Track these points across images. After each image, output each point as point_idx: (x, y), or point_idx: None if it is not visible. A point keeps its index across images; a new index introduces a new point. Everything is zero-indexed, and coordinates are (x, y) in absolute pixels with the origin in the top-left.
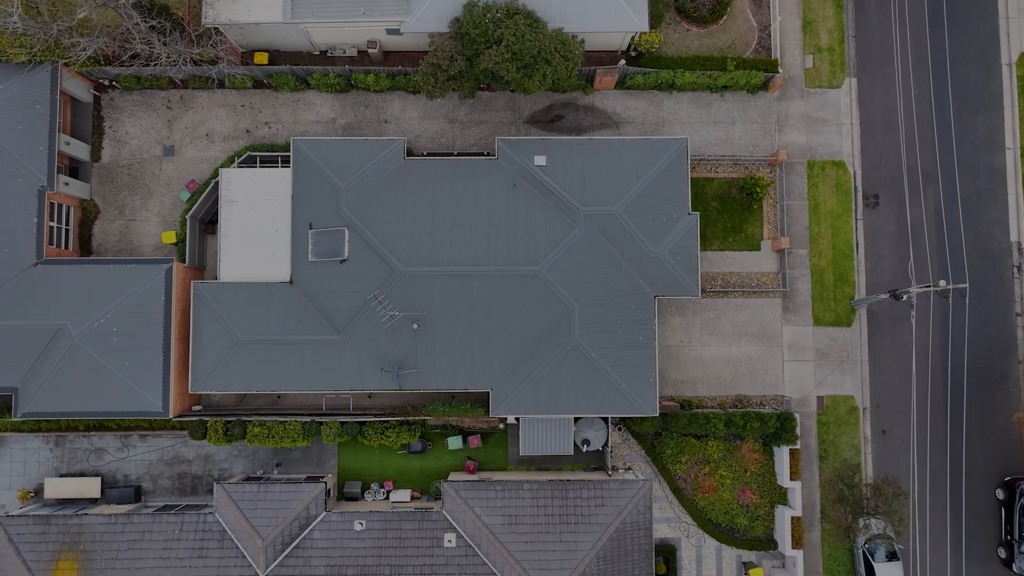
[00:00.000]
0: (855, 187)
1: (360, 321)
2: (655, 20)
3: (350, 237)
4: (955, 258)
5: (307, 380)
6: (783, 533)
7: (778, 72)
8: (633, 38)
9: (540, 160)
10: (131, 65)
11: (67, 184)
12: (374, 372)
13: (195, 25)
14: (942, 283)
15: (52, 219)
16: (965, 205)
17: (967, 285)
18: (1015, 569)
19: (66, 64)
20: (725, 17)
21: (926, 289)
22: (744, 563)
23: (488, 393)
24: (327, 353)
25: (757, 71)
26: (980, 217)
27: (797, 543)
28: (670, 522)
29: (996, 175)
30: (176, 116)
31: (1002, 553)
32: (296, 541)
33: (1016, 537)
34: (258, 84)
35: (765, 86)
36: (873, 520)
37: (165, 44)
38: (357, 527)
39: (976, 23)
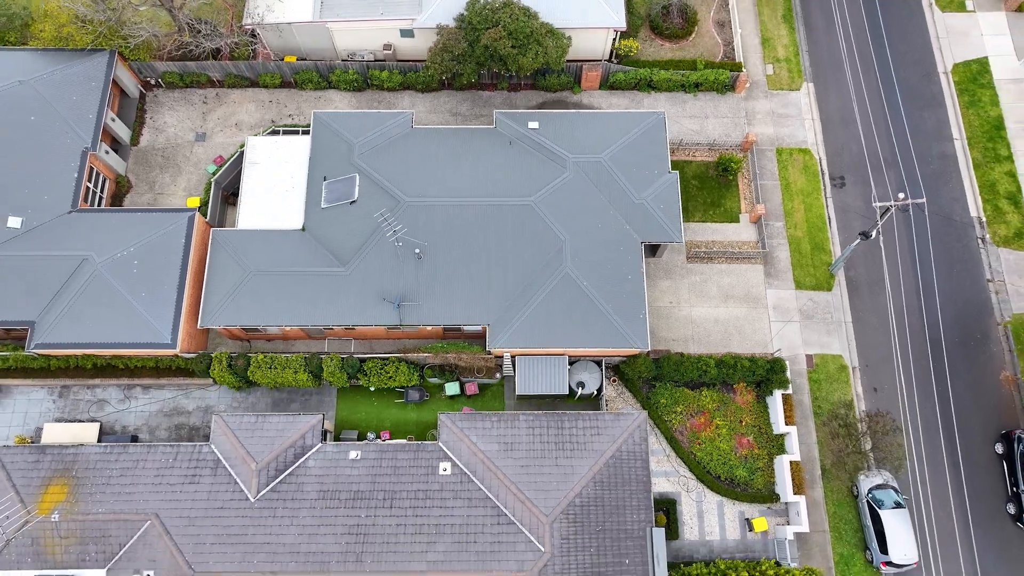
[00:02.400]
0: (822, 171)
1: (365, 254)
2: (632, 34)
3: (360, 182)
4: (920, 230)
5: (313, 315)
6: (783, 481)
7: (742, 71)
8: (614, 42)
9: (533, 124)
10: (177, 59)
11: (107, 152)
12: (378, 305)
13: (236, 27)
14: (901, 196)
15: (89, 181)
16: (925, 184)
17: (924, 200)
18: None
19: (121, 55)
20: (693, 35)
21: (888, 206)
22: (747, 519)
23: (485, 331)
24: (333, 286)
25: (724, 70)
26: (940, 195)
27: (798, 489)
28: (668, 476)
29: (949, 160)
30: (210, 109)
31: (1011, 509)
32: (290, 469)
33: (1022, 487)
34: (285, 84)
35: (732, 86)
36: (874, 463)
37: (209, 39)
38: (352, 455)
39: (911, 39)
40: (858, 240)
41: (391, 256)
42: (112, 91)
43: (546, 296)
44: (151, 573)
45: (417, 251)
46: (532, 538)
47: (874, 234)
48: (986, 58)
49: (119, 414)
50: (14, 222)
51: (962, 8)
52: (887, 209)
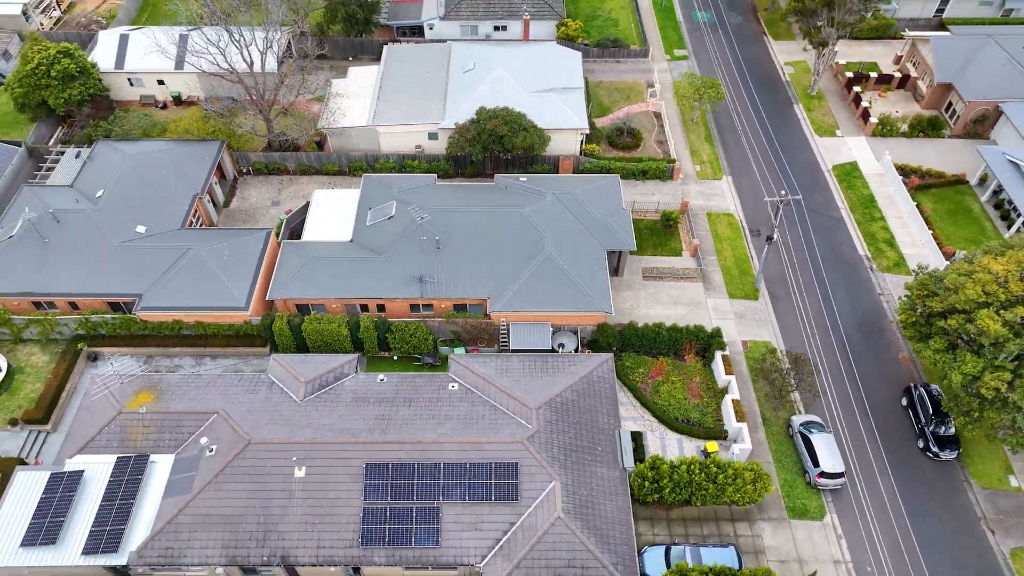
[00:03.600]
0: (743, 226)
1: (398, 246)
2: (595, 143)
3: (397, 205)
4: (814, 263)
5: (357, 290)
6: (728, 416)
7: (676, 163)
8: (582, 143)
9: (523, 179)
10: (265, 150)
11: (209, 202)
12: (406, 284)
13: (311, 130)
14: (783, 193)
15: (193, 218)
16: (822, 236)
17: (800, 196)
18: (931, 452)
19: (228, 146)
20: (640, 147)
21: (777, 200)
22: (702, 449)
23: (486, 300)
24: (373, 269)
25: (664, 161)
26: (833, 242)
27: (740, 418)
28: (635, 420)
29: (838, 221)
30: (284, 187)
31: (920, 444)
32: (330, 385)
33: (923, 422)
34: (341, 172)
35: (671, 175)
36: (801, 404)
37: (290, 142)
38: (379, 379)
39: (801, 153)
40: (767, 244)
41: (417, 247)
42: (217, 168)
43: (532, 273)
44: (214, 446)
45: (437, 238)
46: (522, 421)
47: (775, 236)
48: (855, 161)
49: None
50: (141, 228)
51: (833, 134)
52: (777, 207)
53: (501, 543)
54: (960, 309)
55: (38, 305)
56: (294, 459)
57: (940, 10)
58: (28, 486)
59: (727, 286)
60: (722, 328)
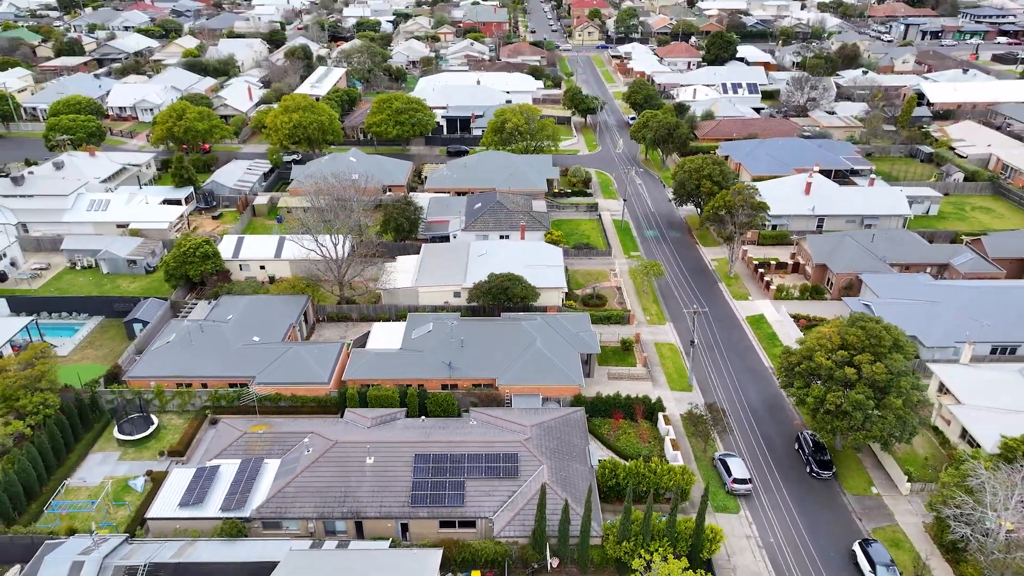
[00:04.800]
0: (680, 350)
1: (434, 345)
2: (570, 299)
3: (433, 323)
4: (732, 373)
5: (407, 373)
6: (668, 448)
7: (631, 312)
8: (563, 300)
9: (522, 315)
10: (339, 303)
11: (297, 331)
12: (439, 368)
13: (371, 290)
14: (695, 306)
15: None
16: (735, 357)
17: (707, 309)
18: (815, 472)
19: (312, 299)
20: (605, 306)
21: (693, 313)
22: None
23: (495, 379)
24: (417, 359)
25: (622, 311)
26: (746, 362)
27: (675, 448)
28: (603, 456)
29: (749, 346)
30: (348, 329)
31: (807, 469)
32: (387, 423)
33: (808, 453)
34: (390, 319)
35: (627, 320)
36: (717, 438)
37: (354, 302)
38: (421, 419)
39: (721, 309)
40: (692, 346)
41: (447, 346)
42: (302, 319)
43: (526, 360)
44: (312, 447)
45: (462, 338)
46: (520, 432)
47: (695, 339)
48: (762, 313)
49: None
50: (256, 338)
51: (746, 298)
52: (693, 318)
53: (506, 503)
54: (806, 356)
55: (180, 385)
56: (367, 447)
57: (819, 225)
58: (180, 477)
59: (668, 383)
60: (666, 406)
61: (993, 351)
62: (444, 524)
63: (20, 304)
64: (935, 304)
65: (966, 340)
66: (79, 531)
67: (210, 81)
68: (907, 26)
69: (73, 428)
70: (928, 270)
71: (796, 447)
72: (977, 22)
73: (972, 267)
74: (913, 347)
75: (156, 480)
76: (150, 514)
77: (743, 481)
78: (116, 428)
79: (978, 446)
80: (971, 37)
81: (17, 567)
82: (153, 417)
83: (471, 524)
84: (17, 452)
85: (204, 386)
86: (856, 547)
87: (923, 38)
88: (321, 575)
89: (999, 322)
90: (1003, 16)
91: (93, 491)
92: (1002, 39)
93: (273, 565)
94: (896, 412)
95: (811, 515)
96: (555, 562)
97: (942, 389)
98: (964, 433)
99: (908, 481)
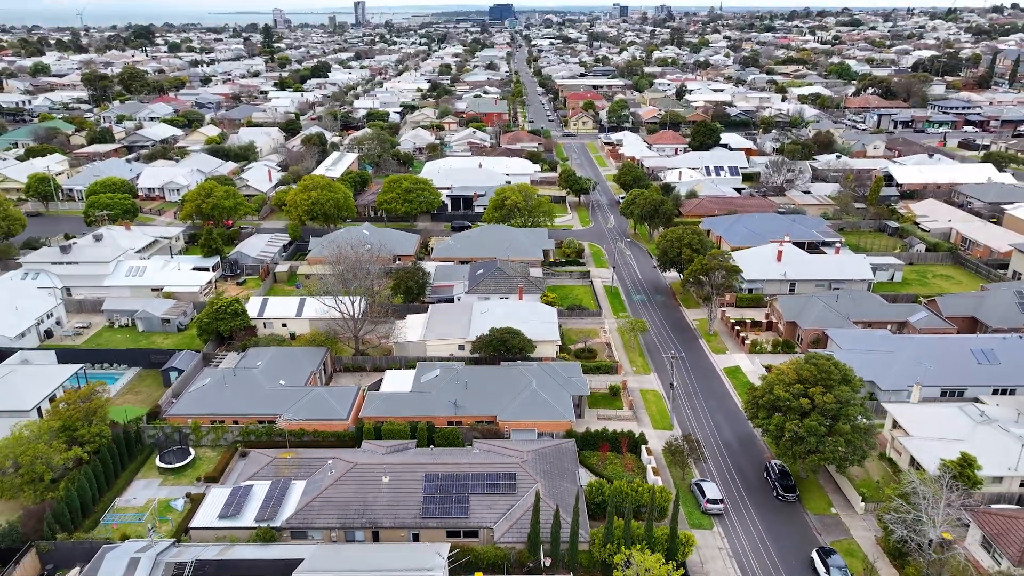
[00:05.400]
0: (664, 397)
1: (441, 386)
2: (563, 351)
3: (441, 370)
4: (710, 417)
5: (417, 411)
6: (649, 474)
7: (619, 363)
8: (557, 352)
9: (519, 361)
10: (354, 354)
11: (318, 378)
12: (446, 407)
13: (383, 344)
14: (672, 352)
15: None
16: (711, 402)
17: (683, 354)
18: (780, 495)
19: (330, 351)
20: (595, 358)
21: (671, 357)
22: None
23: (495, 416)
24: (426, 398)
25: (611, 363)
26: (721, 407)
27: (656, 474)
28: (590, 480)
29: (725, 392)
30: (363, 377)
31: (774, 493)
32: (400, 451)
33: (774, 479)
34: (400, 369)
35: (616, 370)
36: (693, 465)
37: (368, 352)
38: (431, 448)
39: (701, 362)
40: (672, 387)
41: (452, 387)
42: (324, 364)
43: (523, 399)
44: (334, 469)
45: (466, 380)
46: (517, 457)
47: (673, 382)
48: (738, 365)
49: None
50: (282, 381)
51: (724, 352)
52: (671, 360)
53: (505, 515)
54: (767, 390)
55: (214, 422)
56: (383, 468)
57: (791, 289)
58: (218, 495)
59: (652, 423)
60: (650, 439)
61: (943, 394)
62: (451, 534)
63: (66, 356)
64: (890, 353)
65: (916, 383)
66: (131, 537)
67: (232, 165)
68: (880, 116)
69: (121, 457)
70: (888, 327)
71: (764, 475)
72: (944, 113)
73: (927, 323)
74: (860, 381)
75: (195, 500)
76: (193, 524)
77: (716, 501)
78: (158, 458)
79: (923, 469)
80: (940, 126)
81: (77, 569)
82: (191, 449)
83: (475, 534)
84: (76, 474)
85: (235, 423)
86: (814, 554)
87: (895, 127)
88: (344, 564)
89: (947, 369)
90: (969, 108)
91: (139, 509)
92: (969, 128)
93: (300, 561)
94: (845, 436)
95: (776, 531)
96: (547, 561)
97: (895, 425)
98: (912, 460)
99: (863, 501)
